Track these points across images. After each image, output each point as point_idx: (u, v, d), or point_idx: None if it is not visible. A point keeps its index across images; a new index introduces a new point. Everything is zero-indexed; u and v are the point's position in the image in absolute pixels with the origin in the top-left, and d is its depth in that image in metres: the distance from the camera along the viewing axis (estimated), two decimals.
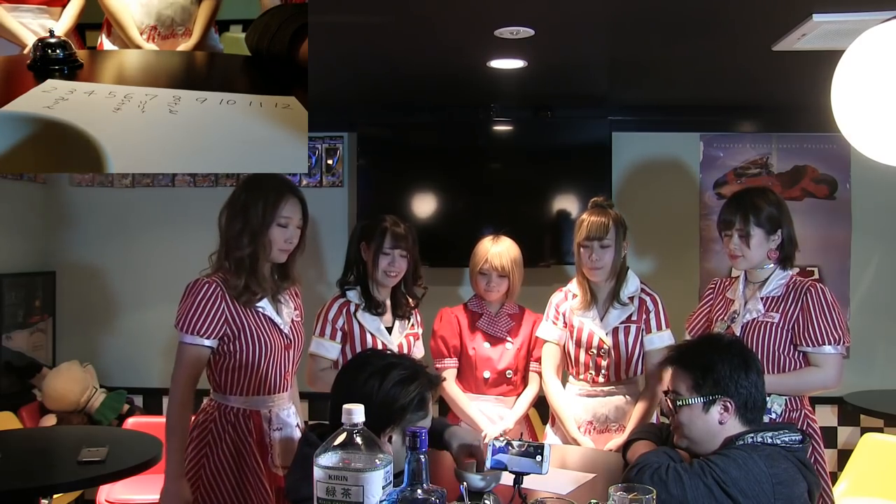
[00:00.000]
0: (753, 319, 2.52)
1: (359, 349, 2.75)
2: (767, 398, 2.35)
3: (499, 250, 2.95)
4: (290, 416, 2.37)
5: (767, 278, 2.54)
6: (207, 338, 2.22)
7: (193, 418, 2.36)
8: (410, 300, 2.90)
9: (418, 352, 2.94)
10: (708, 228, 4.10)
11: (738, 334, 2.50)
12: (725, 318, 2.60)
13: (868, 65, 1.61)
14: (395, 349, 2.80)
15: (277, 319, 2.32)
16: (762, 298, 2.52)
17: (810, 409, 2.53)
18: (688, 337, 2.71)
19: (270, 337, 2.29)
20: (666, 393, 1.95)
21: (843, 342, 2.44)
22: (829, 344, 2.42)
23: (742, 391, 1.83)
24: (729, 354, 1.87)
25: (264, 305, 2.29)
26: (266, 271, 2.31)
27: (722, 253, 4.12)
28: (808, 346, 2.44)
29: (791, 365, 2.48)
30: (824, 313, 2.43)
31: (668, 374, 1.96)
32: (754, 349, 2.46)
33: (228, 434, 2.26)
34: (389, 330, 2.83)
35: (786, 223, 2.53)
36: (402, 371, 1.75)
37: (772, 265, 2.54)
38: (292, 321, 2.39)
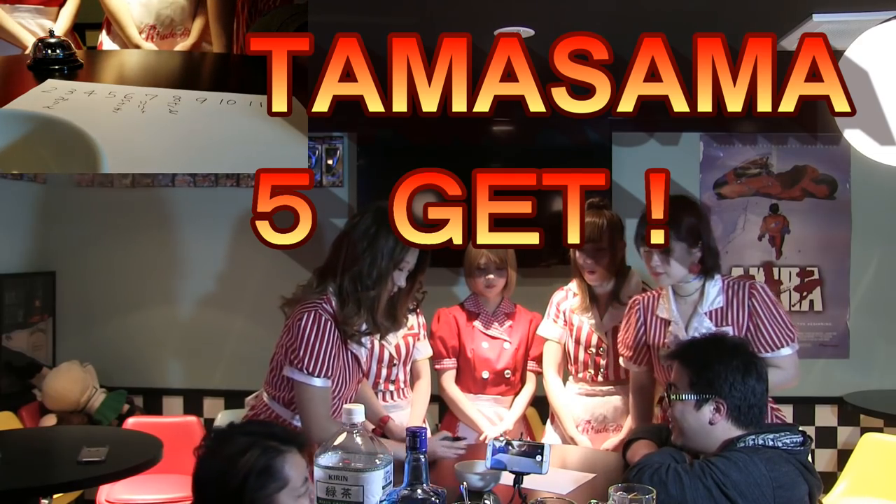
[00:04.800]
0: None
1: None
2: None
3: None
4: None
5: (702, 291, 2.39)
6: (330, 378, 2.14)
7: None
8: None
9: (422, 352, 2.95)
10: None
11: None
12: (668, 343, 2.42)
13: (868, 65, 1.61)
14: (393, 350, 2.81)
15: (361, 357, 2.29)
16: (706, 314, 2.38)
17: (771, 399, 2.43)
18: (625, 365, 2.62)
19: (352, 375, 2.25)
20: (669, 386, 1.96)
21: (796, 338, 2.36)
22: (788, 344, 2.35)
23: (736, 394, 1.83)
24: (729, 357, 1.87)
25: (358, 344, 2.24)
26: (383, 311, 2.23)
27: (722, 252, 4.12)
28: (765, 351, 2.33)
29: None
30: (774, 316, 2.34)
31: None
32: None
33: None
34: None
35: (705, 232, 2.37)
36: (236, 445, 1.48)
37: (696, 278, 2.39)
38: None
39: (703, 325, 2.36)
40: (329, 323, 2.13)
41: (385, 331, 2.28)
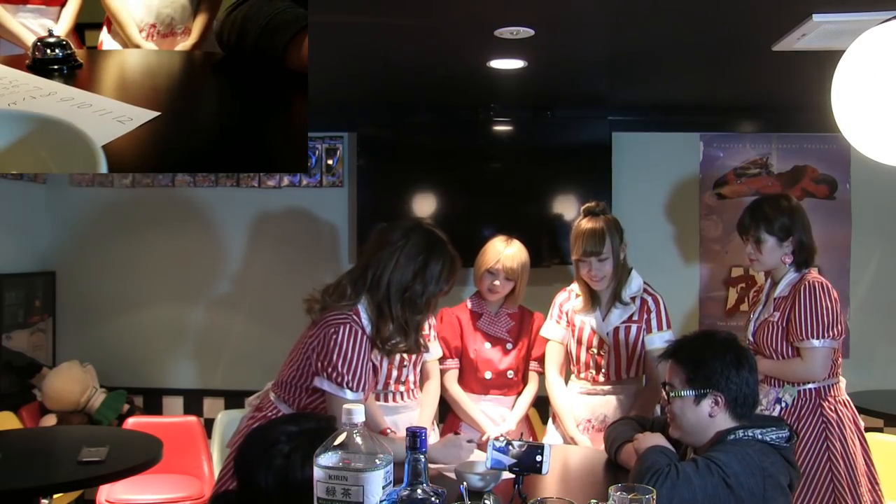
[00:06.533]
0: (765, 320, 2.66)
1: None
2: (780, 388, 2.58)
3: (511, 252, 2.94)
4: None
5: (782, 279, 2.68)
6: (363, 392, 2.13)
7: (249, 421, 2.28)
8: None
9: (432, 353, 2.94)
10: (708, 228, 4.10)
11: (750, 339, 2.69)
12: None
13: (868, 65, 1.61)
14: None
15: (378, 364, 2.32)
16: (774, 300, 2.66)
17: (831, 399, 2.57)
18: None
19: (371, 383, 2.27)
20: (664, 385, 2.01)
21: (830, 335, 2.51)
22: (814, 337, 2.51)
23: (732, 387, 1.90)
24: (722, 351, 1.94)
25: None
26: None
27: (722, 252, 4.14)
28: (795, 340, 2.56)
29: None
30: (811, 307, 2.52)
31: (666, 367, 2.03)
32: (764, 348, 2.62)
33: None
34: None
35: (798, 230, 2.63)
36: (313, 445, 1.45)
37: (787, 267, 2.66)
38: None
39: (766, 311, 2.68)
40: (364, 337, 2.13)
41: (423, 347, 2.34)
